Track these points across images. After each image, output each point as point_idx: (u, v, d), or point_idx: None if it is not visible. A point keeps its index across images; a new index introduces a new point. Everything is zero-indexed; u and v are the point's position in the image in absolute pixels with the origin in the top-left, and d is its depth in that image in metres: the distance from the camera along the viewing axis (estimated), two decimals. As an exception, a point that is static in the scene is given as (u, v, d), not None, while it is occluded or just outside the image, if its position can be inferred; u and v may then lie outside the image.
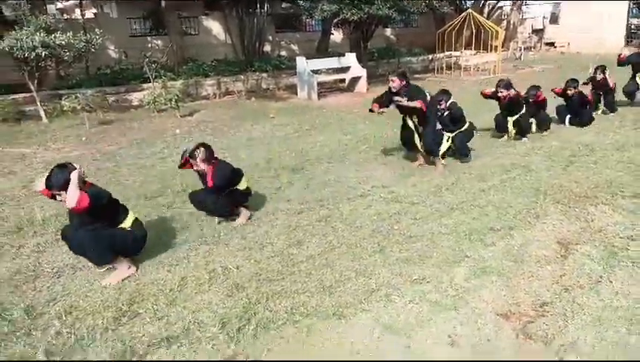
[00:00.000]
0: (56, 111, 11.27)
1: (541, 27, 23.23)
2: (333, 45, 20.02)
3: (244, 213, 4.85)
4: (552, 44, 22.84)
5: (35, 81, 10.82)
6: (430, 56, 18.72)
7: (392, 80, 5.83)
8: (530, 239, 4.14)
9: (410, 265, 3.77)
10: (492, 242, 4.10)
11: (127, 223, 3.91)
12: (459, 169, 6.15)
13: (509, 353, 2.77)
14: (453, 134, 6.46)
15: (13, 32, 10.01)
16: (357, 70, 13.91)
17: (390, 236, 4.30)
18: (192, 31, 20.01)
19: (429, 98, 5.89)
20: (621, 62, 9.34)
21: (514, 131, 7.34)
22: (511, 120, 7.25)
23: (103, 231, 3.74)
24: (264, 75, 14.94)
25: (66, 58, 10.61)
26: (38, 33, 9.90)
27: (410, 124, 6.11)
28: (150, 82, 12.65)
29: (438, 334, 2.94)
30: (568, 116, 8.26)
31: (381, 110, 5.96)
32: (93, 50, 11.21)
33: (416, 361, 2.70)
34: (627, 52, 9.39)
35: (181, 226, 4.75)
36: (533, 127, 7.70)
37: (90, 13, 19.48)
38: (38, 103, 10.83)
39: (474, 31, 16.51)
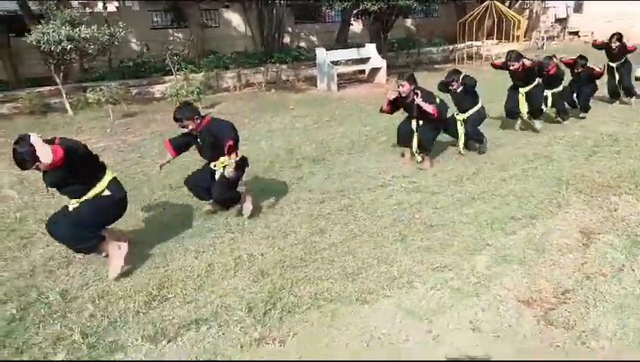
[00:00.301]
0: (81, 104, 11.51)
1: (564, 16, 22.79)
2: (353, 36, 19.96)
3: (248, 198, 4.73)
4: (575, 33, 22.41)
5: (61, 74, 11.06)
6: (451, 47, 18.54)
7: (401, 85, 5.67)
8: (552, 228, 4.16)
9: (431, 253, 3.82)
10: (513, 231, 4.13)
11: (104, 181, 3.68)
12: (480, 159, 6.15)
13: (531, 338, 2.81)
14: (466, 116, 6.27)
15: (40, 25, 10.24)
16: (377, 61, 13.87)
17: (411, 225, 4.35)
18: (212, 23, 20.16)
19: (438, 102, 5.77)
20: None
21: (526, 108, 7.04)
22: (523, 91, 6.96)
23: (82, 209, 3.59)
24: (284, 66, 14.99)
25: (90, 51, 10.83)
26: (63, 27, 10.10)
27: (414, 124, 5.96)
28: (171, 75, 12.82)
29: (460, 320, 3.00)
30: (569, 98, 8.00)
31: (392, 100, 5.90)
32: (117, 43, 11.42)
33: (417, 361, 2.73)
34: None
35: (206, 215, 4.87)
36: (547, 109, 7.42)
37: (112, 7, 19.75)
38: (64, 96, 11.07)
39: (496, 20, 16.31)
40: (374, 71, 13.90)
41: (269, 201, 5.13)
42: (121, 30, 11.17)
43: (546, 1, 23.09)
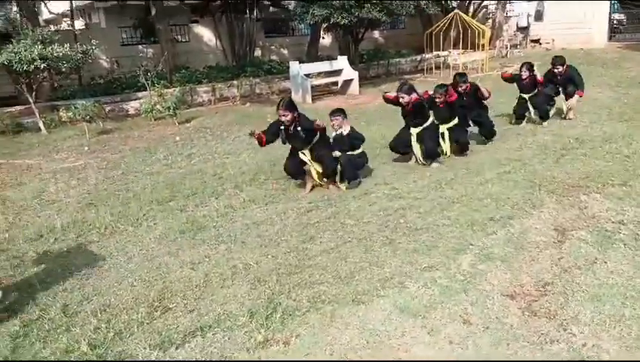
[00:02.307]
0: (54, 122, 11.47)
1: (526, 25, 23.67)
2: (323, 49, 20.33)
3: None
4: (537, 41, 23.30)
5: (34, 93, 10.97)
6: (419, 57, 19.06)
7: (284, 114, 5.46)
8: (528, 227, 4.42)
9: (418, 254, 4.03)
10: (493, 231, 4.37)
11: None
12: (456, 165, 6.42)
13: (518, 328, 3.03)
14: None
15: (10, 45, 10.15)
16: (349, 73, 14.19)
17: (397, 229, 4.56)
18: (182, 38, 20.24)
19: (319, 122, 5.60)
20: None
21: (419, 148, 6.38)
22: (414, 132, 6.29)
23: None
24: (257, 80, 15.16)
25: (64, 70, 10.81)
26: (35, 46, 10.06)
27: (302, 155, 5.79)
28: (144, 91, 12.86)
29: (451, 314, 3.20)
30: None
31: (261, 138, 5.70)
32: (90, 60, 11.42)
33: (417, 361, 2.88)
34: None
35: (197, 228, 4.98)
36: (445, 145, 6.70)
37: (79, 24, 19.63)
38: (37, 115, 10.98)
39: (461, 30, 16.88)
40: (347, 82, 14.22)
41: (258, 212, 5.28)
42: (94, 47, 11.18)
43: (508, 11, 23.94)
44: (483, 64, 16.96)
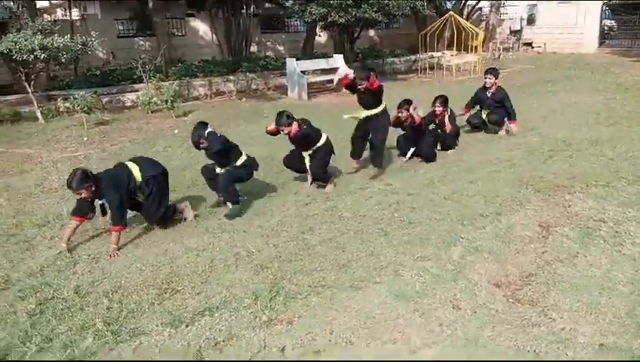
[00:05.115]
0: (52, 112, 11.58)
1: (519, 28, 24.06)
2: (318, 46, 20.50)
3: None
4: (529, 44, 23.69)
5: (32, 83, 11.07)
6: (413, 57, 19.31)
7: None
8: (515, 222, 4.68)
9: (412, 246, 4.28)
10: (482, 226, 4.63)
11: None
12: (448, 164, 6.68)
13: (502, 314, 3.29)
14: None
15: (11, 34, 10.24)
16: (345, 71, 14.37)
17: (392, 222, 4.81)
18: (178, 32, 20.32)
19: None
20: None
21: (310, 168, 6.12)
22: (306, 155, 6.07)
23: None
24: (253, 75, 15.30)
25: (63, 60, 10.91)
26: (35, 36, 10.17)
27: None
28: (140, 83, 12.98)
29: (442, 300, 3.45)
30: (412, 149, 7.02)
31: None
32: (89, 52, 11.54)
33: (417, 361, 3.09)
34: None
35: (200, 217, 5.19)
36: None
37: (74, 14, 19.64)
38: (35, 105, 11.09)
39: (455, 32, 17.15)
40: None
41: (259, 204, 5.51)
42: (94, 39, 11.29)
43: (502, 14, 24.29)
44: (475, 66, 17.26)
